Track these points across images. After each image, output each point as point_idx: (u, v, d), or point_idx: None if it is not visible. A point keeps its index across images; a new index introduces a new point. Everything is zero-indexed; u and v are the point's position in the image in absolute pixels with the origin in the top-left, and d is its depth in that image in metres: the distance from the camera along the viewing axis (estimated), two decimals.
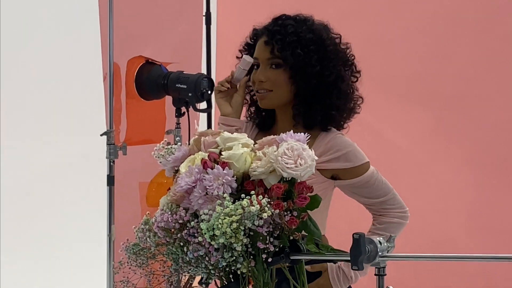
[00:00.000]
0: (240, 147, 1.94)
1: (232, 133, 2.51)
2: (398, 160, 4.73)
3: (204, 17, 4.89)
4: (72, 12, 5.97)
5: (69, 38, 6.06)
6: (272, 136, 1.97)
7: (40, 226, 5.90)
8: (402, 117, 4.75)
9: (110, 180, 4.10)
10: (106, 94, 4.14)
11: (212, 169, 1.88)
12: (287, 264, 1.92)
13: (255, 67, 2.54)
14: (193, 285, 4.64)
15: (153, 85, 4.06)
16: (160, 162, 2.13)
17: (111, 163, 4.08)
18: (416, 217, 3.78)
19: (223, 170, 1.87)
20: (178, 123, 4.04)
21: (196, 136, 2.06)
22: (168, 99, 4.10)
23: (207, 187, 1.86)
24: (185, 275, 2.19)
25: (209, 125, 4.90)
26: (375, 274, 1.87)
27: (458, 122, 4.73)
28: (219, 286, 1.98)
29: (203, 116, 4.65)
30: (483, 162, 4.68)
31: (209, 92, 3.93)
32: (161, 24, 4.54)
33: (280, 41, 2.43)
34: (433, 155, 4.76)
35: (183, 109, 4.00)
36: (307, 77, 2.42)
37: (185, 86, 3.92)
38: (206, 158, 1.92)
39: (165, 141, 2.15)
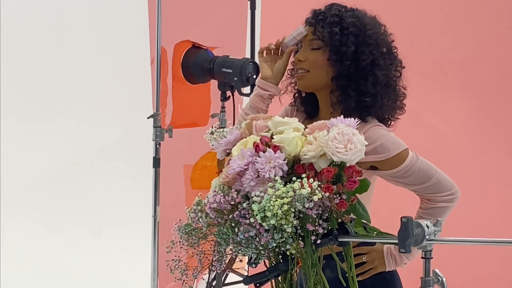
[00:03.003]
0: (291, 131, 1.95)
1: (265, 98, 2.53)
2: (441, 146, 4.72)
3: (249, 2, 4.93)
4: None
5: (118, 23, 6.13)
6: (322, 121, 1.99)
7: (88, 205, 5.98)
8: (445, 104, 4.75)
9: (156, 162, 4.13)
10: (153, 77, 4.17)
11: (264, 152, 1.90)
12: (335, 246, 1.94)
13: (298, 47, 2.54)
14: (234, 267, 4.70)
15: (199, 69, 4.08)
16: (212, 145, 2.15)
17: (157, 146, 4.11)
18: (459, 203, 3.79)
19: (275, 153, 1.89)
20: (223, 107, 4.06)
21: (248, 120, 2.08)
22: (213, 83, 4.12)
23: (259, 169, 1.88)
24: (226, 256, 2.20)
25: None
26: (422, 257, 1.88)
27: (501, 109, 4.72)
28: (268, 266, 2.01)
29: (247, 100, 4.69)
30: None
31: (254, 76, 3.95)
32: (207, 9, 4.56)
33: (322, 21, 2.43)
34: (476, 141, 4.75)
35: (228, 93, 4.03)
36: (343, 58, 2.41)
37: (230, 71, 3.94)
38: (258, 141, 1.94)
39: (218, 124, 2.18)
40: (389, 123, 2.54)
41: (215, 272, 4.27)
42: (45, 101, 6.15)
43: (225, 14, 4.73)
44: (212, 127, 2.20)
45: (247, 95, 4.09)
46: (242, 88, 3.98)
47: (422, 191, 2.50)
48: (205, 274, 4.48)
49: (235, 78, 3.92)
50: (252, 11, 4.95)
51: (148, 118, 4.12)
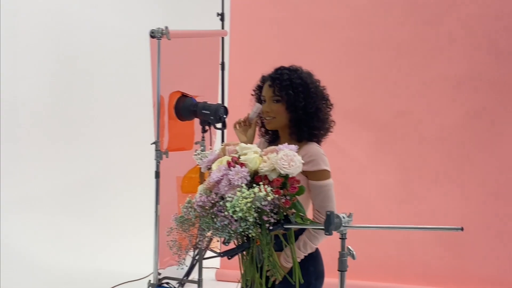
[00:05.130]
0: (253, 153, 1.96)
1: None
2: (348, 164, 4.77)
3: (220, 65, 4.96)
4: (132, 55, 6.00)
5: (129, 77, 6.11)
6: (273, 147, 2.00)
7: (108, 204, 5.91)
8: (352, 135, 4.79)
9: (157, 175, 4.11)
10: (155, 115, 4.16)
11: (234, 167, 1.92)
12: (281, 231, 1.95)
13: (263, 102, 2.49)
14: (211, 246, 4.68)
15: (186, 111, 4.08)
16: (198, 162, 2.13)
17: (158, 163, 4.10)
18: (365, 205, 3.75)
19: (241, 168, 1.91)
20: (203, 137, 4.05)
21: (223, 146, 2.09)
22: (196, 120, 4.10)
23: (231, 179, 1.89)
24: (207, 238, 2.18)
25: (222, 138, 4.94)
26: (340, 238, 1.92)
27: (391, 141, 4.77)
28: (236, 245, 2.00)
29: (219, 132, 4.70)
30: (404, 167, 4.72)
31: (225, 116, 3.96)
32: (191, 68, 4.55)
33: (279, 85, 2.41)
34: (373, 161, 4.82)
35: (207, 127, 4.02)
36: (296, 109, 2.39)
37: (208, 112, 3.95)
38: (230, 160, 1.95)
39: (202, 148, 2.18)
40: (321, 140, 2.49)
41: (198, 249, 4.26)
42: (76, 125, 6.08)
43: (204, 73, 4.73)
44: (197, 151, 2.20)
45: (219, 129, 4.10)
46: (216, 124, 4.00)
47: (317, 207, 2.33)
48: (191, 251, 4.47)
49: (212, 117, 3.94)
50: (222, 71, 4.99)
51: (151, 144, 4.12)
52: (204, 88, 4.53)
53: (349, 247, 1.95)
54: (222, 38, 4.92)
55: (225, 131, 4.49)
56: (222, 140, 4.92)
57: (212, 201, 1.95)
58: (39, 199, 5.72)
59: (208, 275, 4.95)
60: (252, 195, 1.84)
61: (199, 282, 4.21)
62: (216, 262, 5.15)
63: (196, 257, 4.53)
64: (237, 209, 1.84)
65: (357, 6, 4.74)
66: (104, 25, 6.10)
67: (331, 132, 2.46)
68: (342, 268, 1.93)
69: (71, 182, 5.91)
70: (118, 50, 6.14)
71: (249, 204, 1.84)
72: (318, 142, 2.44)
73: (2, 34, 5.55)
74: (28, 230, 5.49)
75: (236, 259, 2.06)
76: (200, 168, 2.12)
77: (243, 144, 2.03)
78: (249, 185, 1.90)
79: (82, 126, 6.09)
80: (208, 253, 4.72)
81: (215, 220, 1.94)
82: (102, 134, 6.06)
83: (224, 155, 2.05)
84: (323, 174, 2.31)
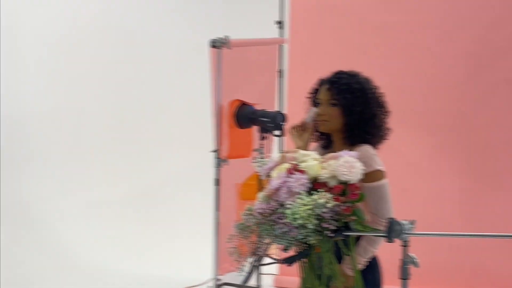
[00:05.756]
0: (312, 160, 1.96)
1: None
2: (406, 168, 4.69)
3: (278, 72, 4.96)
4: (191, 64, 6.08)
5: (189, 85, 6.20)
6: (334, 153, 1.99)
7: (169, 211, 5.99)
8: (411, 139, 4.71)
9: (217, 182, 4.16)
10: (214, 124, 4.19)
11: (294, 174, 1.91)
12: (341, 238, 1.93)
13: (318, 105, 2.46)
14: (270, 253, 4.67)
15: (245, 119, 4.10)
16: (258, 170, 2.12)
17: (217, 170, 4.14)
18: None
19: (301, 175, 1.90)
20: (261, 144, 4.05)
21: (282, 153, 2.08)
22: (255, 127, 4.12)
23: (291, 186, 1.89)
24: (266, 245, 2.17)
25: (280, 145, 4.94)
26: (401, 245, 1.88)
27: (452, 145, 4.69)
28: (296, 251, 1.99)
29: (277, 139, 4.69)
30: (467, 172, 4.63)
31: (283, 123, 3.95)
32: (249, 76, 4.57)
33: (337, 88, 2.38)
34: (434, 165, 4.73)
35: (265, 135, 4.03)
36: (352, 113, 2.36)
37: (267, 119, 3.95)
38: (290, 167, 1.95)
39: (261, 155, 2.18)
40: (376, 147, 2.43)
41: (257, 256, 4.26)
42: (138, 134, 6.20)
43: (262, 80, 4.74)
44: (257, 158, 2.19)
45: (278, 136, 4.10)
46: (274, 131, 4.00)
47: (373, 211, 2.27)
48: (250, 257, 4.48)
49: (270, 125, 3.94)
50: (280, 79, 4.99)
51: (211, 152, 4.16)
52: (262, 96, 4.53)
53: (412, 254, 1.90)
54: (281, 45, 4.93)
55: (283, 138, 4.48)
56: (280, 147, 4.92)
57: (272, 208, 1.94)
58: (102, 205, 5.85)
59: (267, 281, 4.94)
60: (312, 202, 1.84)
61: None
62: (275, 268, 5.14)
63: (255, 264, 4.54)
64: (297, 216, 1.84)
65: (416, 10, 4.68)
66: (164, 35, 6.20)
67: (386, 139, 2.42)
68: (404, 276, 1.89)
69: (133, 189, 6.03)
70: (177, 60, 6.24)
71: (309, 211, 1.83)
72: (372, 146, 2.38)
73: (70, 48, 5.74)
74: (91, 236, 5.62)
75: (295, 266, 2.04)
76: (259, 175, 2.13)
77: (302, 151, 2.02)
78: (309, 192, 1.89)
79: (144, 134, 6.20)
80: (267, 260, 4.72)
81: (274, 227, 1.94)
82: (163, 142, 6.16)
83: (284, 162, 2.03)
84: (376, 175, 2.26)
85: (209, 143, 4.31)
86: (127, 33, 6.07)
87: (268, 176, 2.07)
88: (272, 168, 2.05)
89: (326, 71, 2.52)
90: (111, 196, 5.91)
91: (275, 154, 2.30)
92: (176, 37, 6.22)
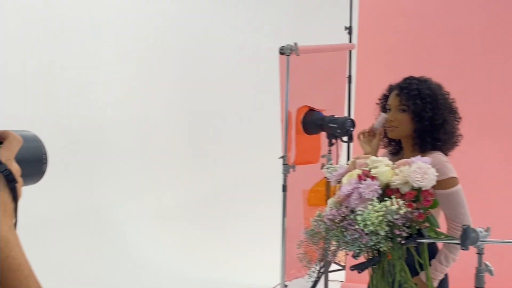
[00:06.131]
0: (384, 166, 1.95)
1: None
2: (481, 176, 4.58)
3: (347, 78, 4.93)
4: (259, 71, 6.12)
5: (257, 92, 6.25)
6: (406, 159, 1.97)
7: (236, 217, 6.04)
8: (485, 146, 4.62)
9: (284, 188, 4.13)
10: (282, 131, 4.19)
11: (365, 180, 1.91)
12: (413, 245, 1.92)
13: (388, 110, 2.47)
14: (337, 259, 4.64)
15: (313, 125, 4.04)
16: (328, 176, 2.13)
17: (285, 177, 4.12)
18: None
19: (373, 181, 1.89)
20: (329, 150, 3.97)
21: (353, 159, 2.08)
22: (323, 134, 4.07)
23: (362, 192, 1.88)
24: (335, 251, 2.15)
25: (348, 151, 4.90)
26: (476, 253, 1.85)
27: None
28: (367, 258, 1.99)
29: (345, 146, 4.66)
30: None
31: (352, 129, 3.91)
32: (318, 82, 4.57)
33: (407, 94, 2.38)
34: (508, 172, 4.60)
35: (333, 141, 3.96)
36: (422, 119, 2.35)
37: (336, 125, 3.88)
38: (361, 173, 1.95)
39: (330, 162, 2.18)
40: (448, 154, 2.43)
41: (324, 262, 4.24)
42: (206, 140, 6.28)
43: (331, 86, 4.73)
44: (327, 164, 2.19)
45: (346, 141, 4.06)
46: (343, 137, 3.97)
47: (450, 216, 2.27)
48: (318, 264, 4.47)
49: (339, 131, 3.88)
50: (349, 85, 4.96)
51: (279, 158, 4.16)
52: (330, 102, 4.51)
53: (487, 262, 1.88)
54: (350, 51, 4.91)
55: (351, 144, 4.44)
56: (348, 153, 4.88)
57: (342, 215, 1.94)
58: (172, 211, 5.95)
59: None
60: (384, 209, 1.83)
61: None
62: (342, 275, 5.10)
63: (322, 270, 4.52)
64: (368, 222, 1.83)
65: (486, 13, 4.57)
66: (234, 43, 6.28)
67: (458, 145, 2.38)
68: (479, 285, 1.87)
69: (202, 195, 6.11)
70: (246, 66, 6.29)
71: (380, 218, 1.82)
72: (444, 153, 2.37)
73: (139, 58, 5.88)
74: (159, 240, 5.72)
75: (365, 273, 2.04)
76: (327, 181, 2.13)
77: (374, 157, 2.02)
78: (380, 199, 1.88)
79: (212, 141, 6.29)
80: (334, 267, 4.69)
81: (345, 233, 1.94)
82: (232, 149, 6.22)
83: (354, 168, 2.04)
84: (450, 182, 2.26)
85: (277, 149, 4.32)
86: (197, 41, 6.17)
87: (339, 182, 2.08)
88: (342, 175, 2.06)
89: (395, 77, 2.51)
90: (180, 202, 6.01)
91: (344, 161, 2.30)
92: (246, 44, 6.28)
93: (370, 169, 1.96)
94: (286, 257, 4.14)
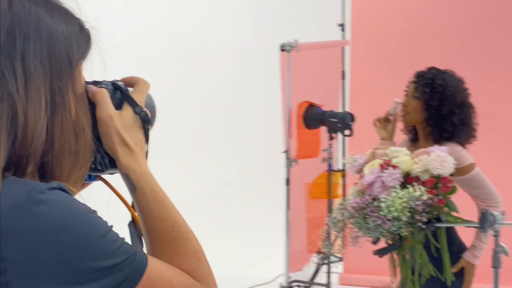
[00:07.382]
0: (404, 155, 2.05)
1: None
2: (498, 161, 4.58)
3: (341, 73, 5.03)
4: (259, 67, 6.18)
5: (258, 88, 6.32)
6: (424, 149, 2.07)
7: (239, 210, 6.09)
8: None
9: (287, 182, 4.24)
10: (284, 126, 4.29)
11: (387, 169, 2.01)
12: (432, 230, 2.03)
13: (406, 96, 2.57)
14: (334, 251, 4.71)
15: (314, 120, 4.12)
16: (349, 167, 2.21)
17: (288, 170, 4.22)
18: None
19: (394, 170, 2.00)
20: (330, 144, 4.10)
21: (372, 150, 2.18)
22: (323, 128, 4.16)
23: (385, 181, 1.98)
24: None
25: (343, 145, 5.00)
26: (493, 235, 1.98)
27: None
28: (389, 243, 2.09)
29: (340, 138, 4.76)
30: None
31: (352, 123, 4.02)
32: (315, 79, 4.64)
33: (421, 82, 2.49)
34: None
35: (334, 135, 4.07)
36: (430, 108, 2.45)
37: (336, 120, 3.99)
38: (382, 163, 2.05)
39: (351, 153, 2.26)
40: (465, 145, 2.51)
41: (325, 253, 4.33)
42: (212, 139, 6.38)
43: (326, 82, 4.81)
44: (346, 156, 2.29)
45: (347, 135, 4.15)
46: (343, 131, 4.07)
47: (478, 196, 2.41)
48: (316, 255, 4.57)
49: (339, 125, 3.98)
50: (343, 80, 5.06)
51: (282, 152, 4.25)
52: (326, 97, 4.59)
53: (502, 244, 1.99)
54: (343, 47, 5.01)
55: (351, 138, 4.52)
56: (343, 147, 4.98)
57: (365, 202, 2.04)
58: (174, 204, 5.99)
59: (332, 279, 5.01)
60: (407, 195, 1.93)
61: (328, 285, 4.29)
62: (339, 266, 5.21)
63: (323, 261, 4.62)
64: (392, 208, 1.93)
65: (481, 10, 4.66)
66: (234, 39, 6.34)
67: (474, 138, 2.47)
68: (496, 265, 1.98)
69: (205, 189, 6.13)
70: (246, 63, 6.33)
71: (404, 204, 1.92)
72: (461, 145, 2.45)
73: (141, 58, 5.92)
74: None
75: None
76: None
77: (393, 148, 2.12)
78: (402, 186, 1.98)
79: (216, 136, 6.32)
80: (331, 258, 4.79)
81: (368, 220, 2.03)
82: (235, 144, 6.27)
83: (374, 158, 2.13)
84: (469, 167, 2.38)
85: (280, 144, 4.40)
86: (197, 37, 6.20)
87: (359, 172, 2.17)
88: (363, 165, 2.15)
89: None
90: (182, 196, 6.03)
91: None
92: (245, 41, 6.34)
93: (391, 158, 2.06)
94: (290, 250, 4.24)
